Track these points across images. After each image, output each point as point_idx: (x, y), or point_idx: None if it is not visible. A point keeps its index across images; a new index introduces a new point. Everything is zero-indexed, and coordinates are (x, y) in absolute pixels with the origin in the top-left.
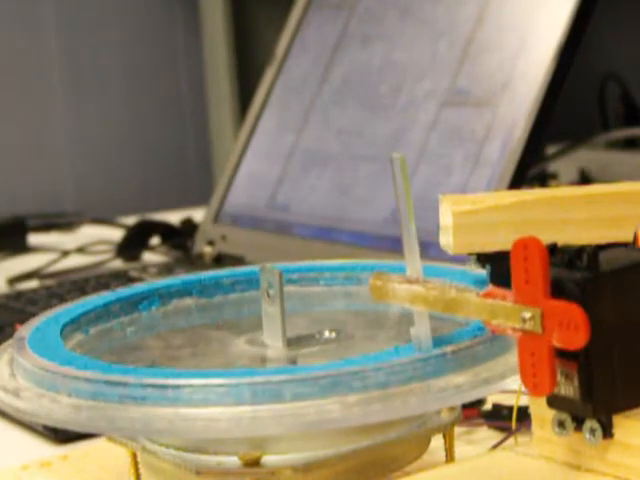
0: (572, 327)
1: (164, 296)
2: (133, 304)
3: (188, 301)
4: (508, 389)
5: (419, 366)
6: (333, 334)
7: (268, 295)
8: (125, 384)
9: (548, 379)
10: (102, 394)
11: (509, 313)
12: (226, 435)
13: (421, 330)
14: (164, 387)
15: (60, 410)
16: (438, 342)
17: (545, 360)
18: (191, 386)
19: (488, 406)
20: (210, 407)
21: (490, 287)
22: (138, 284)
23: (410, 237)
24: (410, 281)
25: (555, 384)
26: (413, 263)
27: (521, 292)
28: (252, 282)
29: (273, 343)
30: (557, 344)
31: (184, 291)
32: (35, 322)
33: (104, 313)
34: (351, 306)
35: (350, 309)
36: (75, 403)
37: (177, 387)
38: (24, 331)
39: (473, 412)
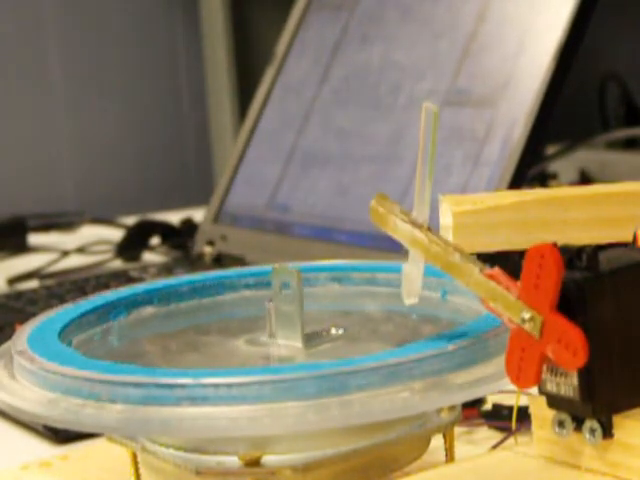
0: (570, 349)
1: (129, 306)
2: (103, 314)
3: (150, 310)
4: (508, 389)
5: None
6: (340, 331)
7: (281, 295)
8: (183, 386)
9: (533, 377)
10: (154, 397)
11: (510, 305)
12: (294, 430)
13: (413, 271)
14: (217, 386)
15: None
16: (473, 330)
17: (534, 362)
18: (259, 382)
19: (488, 406)
20: (275, 403)
21: (496, 269)
22: (101, 294)
23: (425, 182)
24: (414, 223)
25: (538, 381)
26: (421, 207)
27: (528, 293)
28: (211, 288)
29: (289, 342)
30: (551, 356)
31: (147, 300)
32: (26, 331)
33: (79, 324)
34: (332, 307)
35: (336, 309)
36: (121, 409)
37: (240, 385)
38: (20, 345)
39: (473, 412)
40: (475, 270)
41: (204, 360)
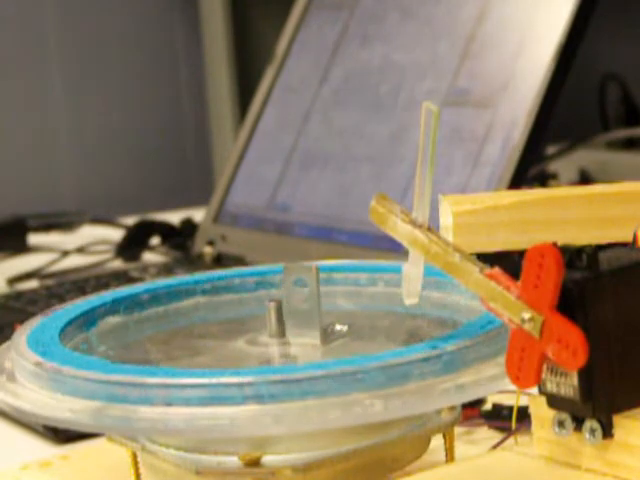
0: (570, 349)
1: (96, 317)
2: (78, 326)
3: (116, 319)
4: (508, 389)
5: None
6: (345, 328)
7: (293, 292)
8: (250, 384)
9: (533, 377)
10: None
11: (509, 305)
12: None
13: (413, 272)
14: (277, 383)
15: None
16: (472, 329)
17: (534, 362)
18: (311, 378)
19: (488, 406)
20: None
21: (496, 269)
22: (64, 305)
23: (424, 182)
24: (414, 223)
25: (538, 381)
26: (421, 208)
27: (528, 293)
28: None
29: (304, 340)
30: (551, 356)
31: (113, 309)
32: (22, 335)
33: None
34: (329, 306)
35: (334, 308)
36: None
37: (280, 382)
38: (30, 355)
39: (473, 412)
40: (475, 270)
41: (215, 363)
